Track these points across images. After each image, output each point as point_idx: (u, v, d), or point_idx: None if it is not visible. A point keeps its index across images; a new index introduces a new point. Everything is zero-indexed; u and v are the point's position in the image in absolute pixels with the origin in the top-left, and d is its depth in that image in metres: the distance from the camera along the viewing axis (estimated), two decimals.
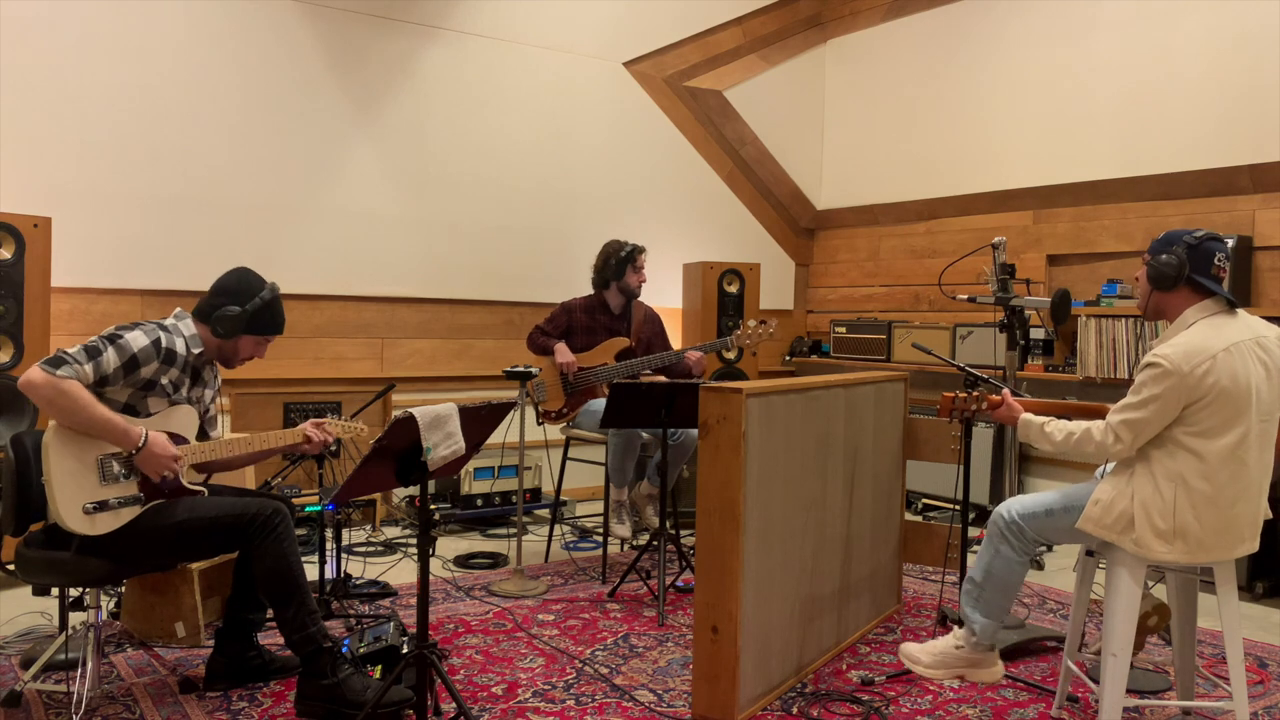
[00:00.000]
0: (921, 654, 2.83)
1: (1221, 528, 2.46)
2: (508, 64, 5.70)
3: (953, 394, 2.84)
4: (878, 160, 6.62)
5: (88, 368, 2.60)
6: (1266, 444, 2.50)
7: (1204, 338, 2.46)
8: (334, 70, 5.19)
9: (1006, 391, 2.81)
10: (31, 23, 4.41)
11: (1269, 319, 4.21)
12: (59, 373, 2.55)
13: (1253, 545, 2.52)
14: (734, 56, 6.57)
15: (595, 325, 4.62)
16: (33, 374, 2.56)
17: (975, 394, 2.84)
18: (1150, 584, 2.88)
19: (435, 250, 5.53)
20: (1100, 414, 2.66)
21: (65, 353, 2.61)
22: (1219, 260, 2.52)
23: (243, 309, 2.84)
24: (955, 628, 2.98)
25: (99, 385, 2.65)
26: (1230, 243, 4.54)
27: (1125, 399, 2.51)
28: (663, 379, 4.33)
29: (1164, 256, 2.53)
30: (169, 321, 2.84)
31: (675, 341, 5.10)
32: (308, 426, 3.01)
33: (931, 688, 3.05)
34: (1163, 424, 2.46)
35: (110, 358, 2.64)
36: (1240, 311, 2.56)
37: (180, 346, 2.80)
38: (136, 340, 2.69)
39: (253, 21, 4.94)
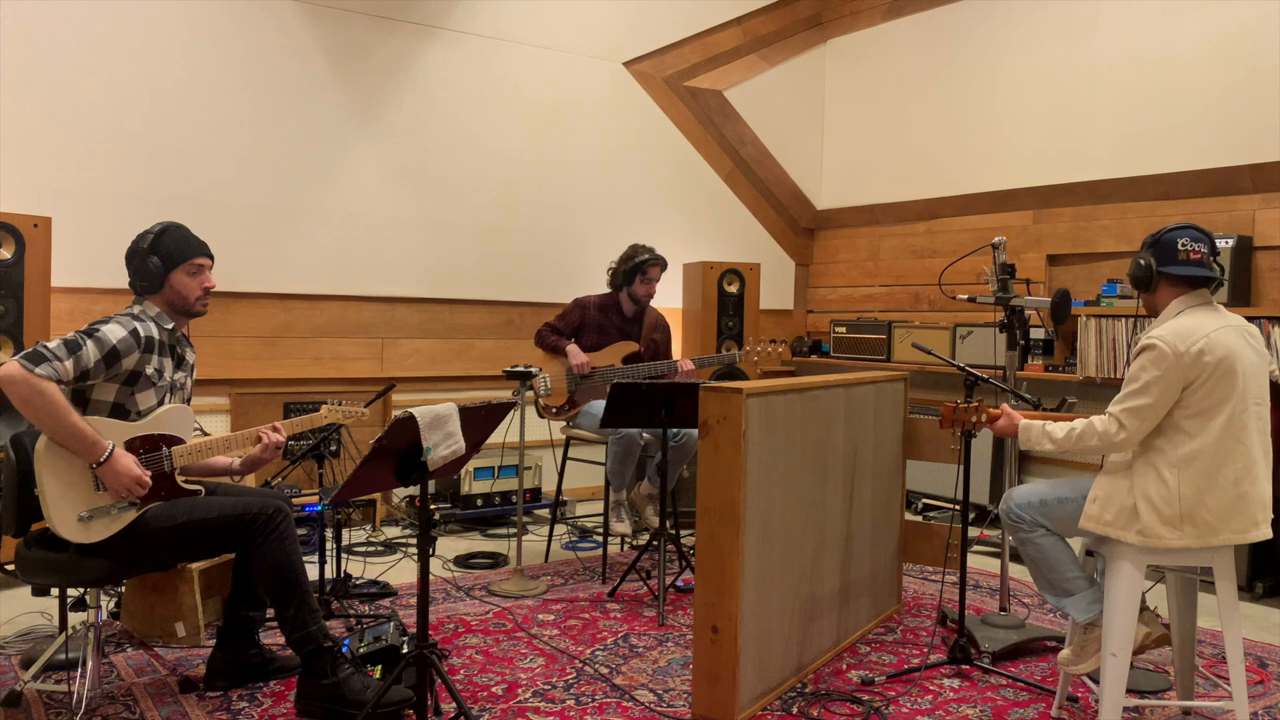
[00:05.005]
0: (1069, 654, 2.78)
1: (1229, 508, 2.47)
2: (508, 64, 5.70)
3: (953, 404, 2.83)
4: (878, 160, 6.62)
5: (68, 363, 2.55)
6: (1263, 428, 2.54)
7: (1194, 321, 2.52)
8: (334, 70, 5.19)
9: (1006, 405, 2.81)
10: (31, 23, 4.41)
11: (1269, 319, 4.27)
12: (38, 371, 2.49)
13: (1266, 530, 2.52)
14: (734, 56, 6.57)
15: (608, 325, 4.63)
16: (11, 369, 2.48)
17: (975, 405, 2.84)
18: (1149, 584, 2.88)
19: (435, 250, 5.53)
20: None
21: (45, 347, 2.53)
22: (1183, 245, 2.57)
23: (140, 249, 2.77)
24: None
25: (80, 380, 2.60)
26: (1230, 242, 4.54)
27: (1125, 389, 2.53)
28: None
29: (1138, 261, 2.63)
30: (136, 309, 2.79)
31: (676, 351, 5.09)
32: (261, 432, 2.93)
33: (931, 687, 3.06)
34: (1166, 407, 2.48)
35: (90, 351, 2.59)
36: (1220, 307, 2.61)
37: (154, 330, 2.76)
38: (114, 332, 2.65)
39: (253, 21, 4.94)
